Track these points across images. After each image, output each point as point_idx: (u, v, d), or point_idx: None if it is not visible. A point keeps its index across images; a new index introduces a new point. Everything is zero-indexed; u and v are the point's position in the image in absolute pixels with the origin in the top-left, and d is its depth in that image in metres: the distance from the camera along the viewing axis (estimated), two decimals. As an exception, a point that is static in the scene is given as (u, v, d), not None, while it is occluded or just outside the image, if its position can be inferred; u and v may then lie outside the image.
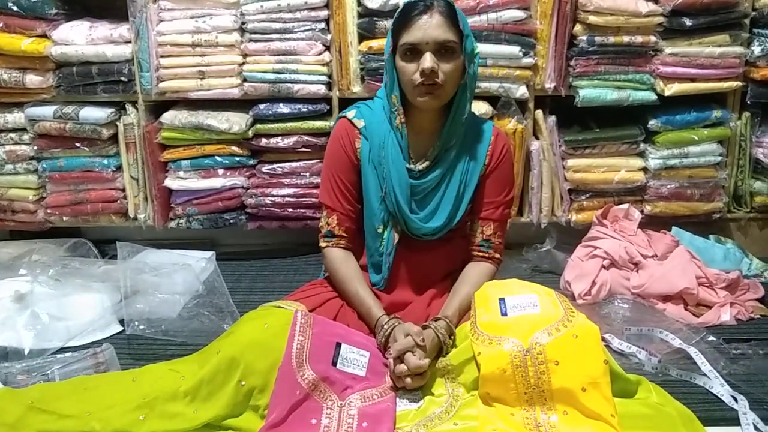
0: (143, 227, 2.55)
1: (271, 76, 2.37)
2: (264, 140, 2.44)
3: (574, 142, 2.41)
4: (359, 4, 2.33)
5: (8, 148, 2.48)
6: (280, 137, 2.44)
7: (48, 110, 2.40)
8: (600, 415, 1.37)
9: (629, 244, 2.17)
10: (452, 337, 1.58)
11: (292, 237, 2.60)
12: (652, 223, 2.40)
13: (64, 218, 2.54)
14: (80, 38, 2.34)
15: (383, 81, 1.70)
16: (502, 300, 1.53)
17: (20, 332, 1.82)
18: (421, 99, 1.57)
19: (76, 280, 2.06)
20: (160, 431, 1.38)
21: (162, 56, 2.37)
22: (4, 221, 2.57)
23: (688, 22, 2.25)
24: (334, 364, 1.48)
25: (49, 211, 2.53)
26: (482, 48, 2.28)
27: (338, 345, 1.51)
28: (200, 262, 2.24)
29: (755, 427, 1.48)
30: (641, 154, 2.44)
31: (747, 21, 2.32)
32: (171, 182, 2.48)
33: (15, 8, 2.31)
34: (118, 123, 2.43)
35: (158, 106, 2.49)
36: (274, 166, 2.47)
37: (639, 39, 2.30)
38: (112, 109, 2.42)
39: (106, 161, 2.46)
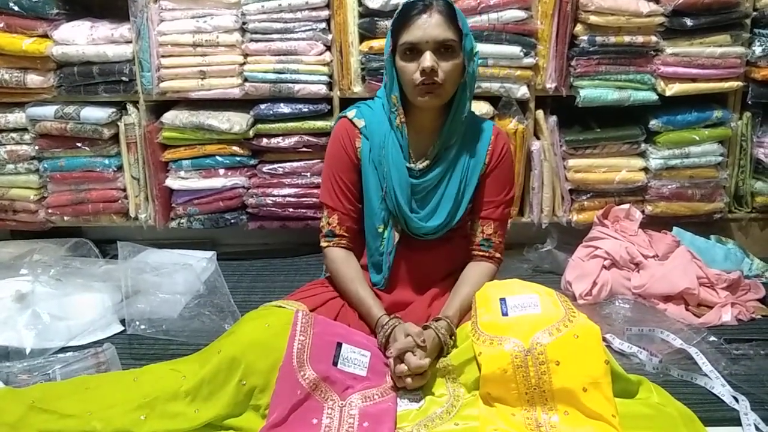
0: (144, 227, 2.55)
1: (272, 76, 2.37)
2: (265, 140, 2.44)
3: (575, 142, 2.41)
4: (360, 4, 2.33)
5: (9, 148, 2.48)
6: (280, 137, 2.44)
7: (49, 110, 2.40)
8: (601, 416, 1.37)
9: (630, 245, 2.17)
10: (453, 337, 1.58)
11: (293, 237, 2.60)
12: (653, 223, 2.40)
13: (65, 218, 2.54)
14: (81, 38, 2.34)
15: (383, 81, 1.70)
16: (503, 300, 1.53)
17: (21, 332, 1.82)
18: (422, 99, 1.58)
19: (77, 279, 2.06)
20: (161, 431, 1.38)
21: (163, 56, 2.37)
22: (5, 221, 2.57)
23: (689, 22, 2.25)
24: (335, 363, 1.48)
25: (50, 210, 2.53)
26: (483, 48, 2.28)
27: (339, 345, 1.51)
28: (201, 262, 2.24)
29: (756, 428, 1.48)
30: (642, 154, 2.44)
31: (748, 21, 2.32)
32: (172, 182, 2.48)
33: (16, 8, 2.32)
34: (119, 123, 2.44)
35: (159, 106, 2.49)
36: (275, 166, 2.47)
37: (640, 39, 2.30)
38: (113, 109, 2.42)
39: (107, 161, 2.46)
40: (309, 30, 2.34)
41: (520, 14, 2.29)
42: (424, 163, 1.66)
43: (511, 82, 2.37)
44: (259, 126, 2.43)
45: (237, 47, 2.36)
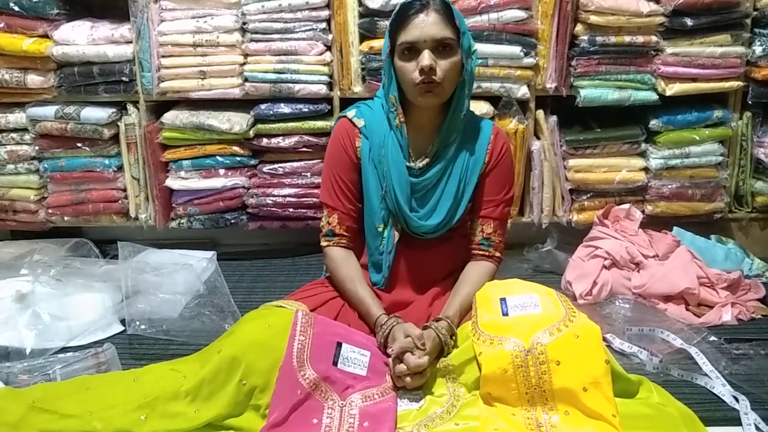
0: (144, 227, 2.55)
1: (272, 76, 2.37)
2: (265, 140, 2.44)
3: (575, 142, 2.41)
4: (360, 4, 2.33)
5: (9, 148, 2.48)
6: (281, 137, 2.44)
7: (49, 110, 2.40)
8: (601, 415, 1.37)
9: (630, 244, 2.17)
10: (453, 337, 1.58)
11: (293, 237, 2.60)
12: (653, 223, 2.40)
13: (66, 218, 2.54)
14: (81, 38, 2.34)
15: (381, 81, 1.71)
16: (503, 300, 1.53)
17: (22, 332, 1.82)
18: (422, 98, 1.58)
19: (78, 279, 2.06)
20: (162, 431, 1.38)
21: (163, 56, 2.37)
22: (5, 221, 2.57)
23: (689, 22, 2.25)
24: (335, 363, 1.48)
25: (50, 211, 2.53)
26: (483, 48, 2.28)
27: (339, 345, 1.51)
28: (201, 262, 2.24)
29: (756, 428, 1.48)
30: (642, 154, 2.44)
31: (748, 21, 2.32)
32: (172, 182, 2.48)
33: (16, 8, 2.32)
34: (119, 123, 2.43)
35: (159, 106, 2.49)
36: (275, 166, 2.47)
37: (640, 39, 2.29)
38: (113, 109, 2.42)
39: (107, 161, 2.46)
40: (309, 30, 2.34)
41: (521, 14, 2.29)
42: (424, 162, 1.66)
43: (512, 82, 2.37)
44: (260, 126, 2.43)
45: (237, 47, 2.36)
